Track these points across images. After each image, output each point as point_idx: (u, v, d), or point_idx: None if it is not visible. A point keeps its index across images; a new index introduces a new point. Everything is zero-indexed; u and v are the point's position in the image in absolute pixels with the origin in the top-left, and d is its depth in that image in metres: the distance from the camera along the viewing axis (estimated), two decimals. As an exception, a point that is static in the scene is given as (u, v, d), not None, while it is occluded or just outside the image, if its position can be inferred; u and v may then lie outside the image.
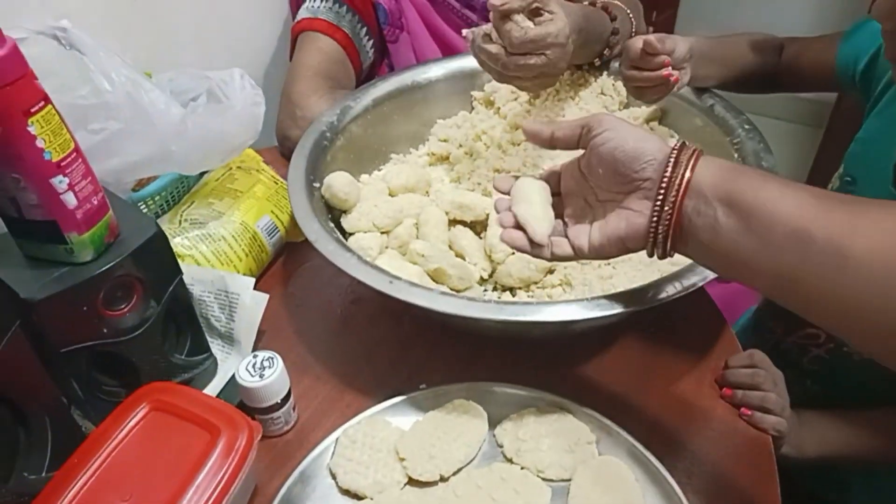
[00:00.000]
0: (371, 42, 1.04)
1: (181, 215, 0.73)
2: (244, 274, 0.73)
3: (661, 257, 0.49)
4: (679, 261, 0.65)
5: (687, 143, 0.47)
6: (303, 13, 1.01)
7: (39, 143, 0.47)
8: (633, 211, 0.49)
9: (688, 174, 0.46)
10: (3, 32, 0.45)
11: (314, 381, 0.65)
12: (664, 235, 0.47)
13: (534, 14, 0.69)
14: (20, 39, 0.52)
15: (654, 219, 0.47)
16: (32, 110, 0.46)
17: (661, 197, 0.46)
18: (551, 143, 0.54)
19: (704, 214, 0.45)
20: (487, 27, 0.68)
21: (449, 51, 1.10)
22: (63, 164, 0.48)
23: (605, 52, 0.84)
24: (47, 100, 0.47)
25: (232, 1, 1.07)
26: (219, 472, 0.48)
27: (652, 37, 0.69)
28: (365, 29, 1.03)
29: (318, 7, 1.00)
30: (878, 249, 0.39)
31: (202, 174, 0.79)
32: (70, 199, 0.49)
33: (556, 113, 0.81)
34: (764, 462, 0.58)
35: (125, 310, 0.54)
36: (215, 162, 0.69)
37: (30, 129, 0.46)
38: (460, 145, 0.81)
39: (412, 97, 0.85)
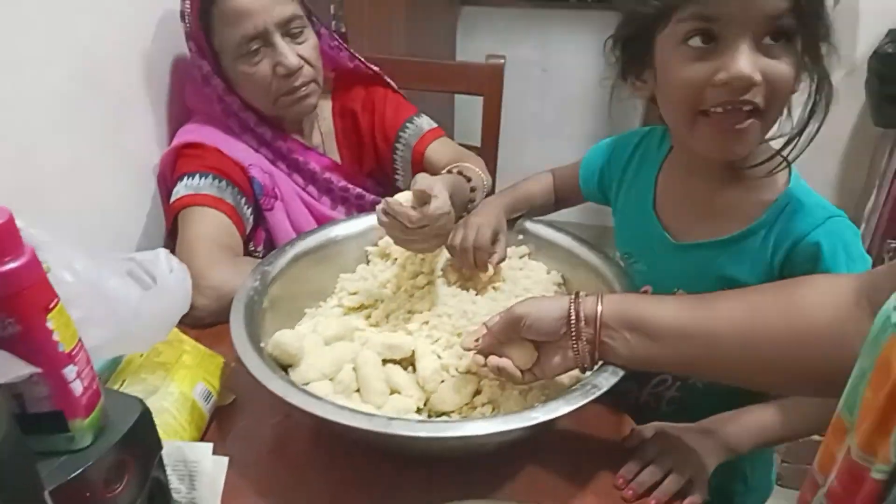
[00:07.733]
0: (250, 210, 1.13)
1: (116, 395, 0.73)
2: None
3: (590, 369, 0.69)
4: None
5: (580, 295, 0.68)
6: (182, 190, 1.08)
7: (55, 337, 0.49)
8: (564, 348, 0.69)
9: (591, 314, 0.66)
10: (23, 241, 0.48)
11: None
12: (590, 359, 0.67)
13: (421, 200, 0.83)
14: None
15: (576, 352, 0.67)
16: (50, 307, 0.49)
17: (573, 339, 0.67)
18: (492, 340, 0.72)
19: (616, 338, 0.65)
20: (401, 198, 0.82)
21: (317, 214, 1.22)
22: (73, 353, 0.51)
23: (468, 207, 1.01)
24: (57, 297, 0.50)
25: (105, 179, 1.09)
26: None
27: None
28: (244, 199, 1.12)
29: (200, 184, 1.08)
30: (735, 329, 0.59)
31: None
32: (77, 387, 0.51)
33: (437, 261, 0.96)
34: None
35: (119, 490, 0.55)
36: (162, 336, 0.72)
37: (48, 324, 0.49)
38: (371, 295, 0.92)
39: (316, 257, 0.95)
